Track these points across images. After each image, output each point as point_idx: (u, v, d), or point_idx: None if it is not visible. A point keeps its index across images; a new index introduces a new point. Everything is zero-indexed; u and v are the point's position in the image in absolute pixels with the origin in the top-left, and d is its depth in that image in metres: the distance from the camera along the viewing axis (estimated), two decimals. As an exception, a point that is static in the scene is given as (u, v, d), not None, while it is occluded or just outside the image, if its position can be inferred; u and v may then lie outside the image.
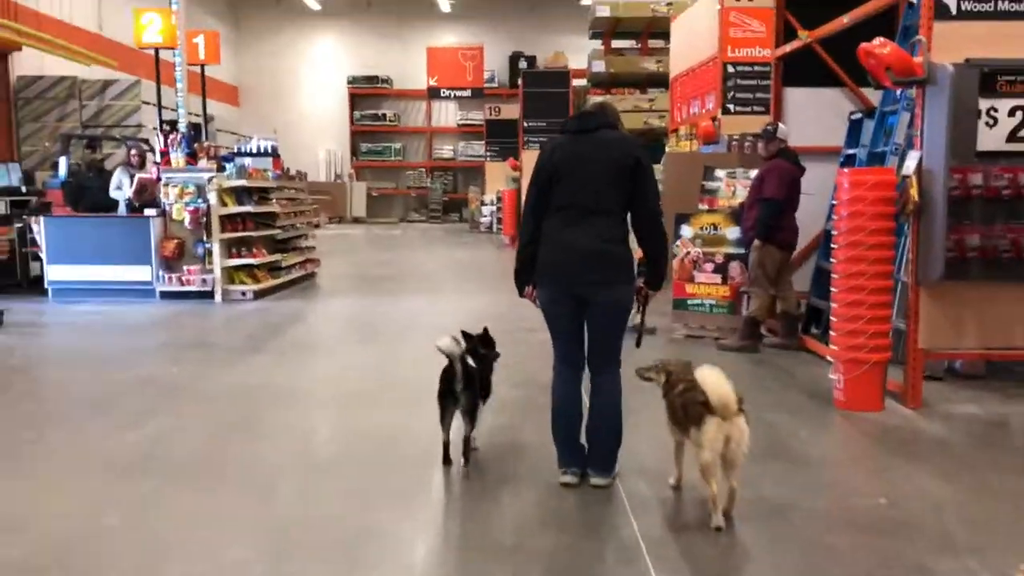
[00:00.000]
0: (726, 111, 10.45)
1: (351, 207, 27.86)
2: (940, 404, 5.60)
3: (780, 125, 7.32)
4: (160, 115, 11.47)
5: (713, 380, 3.56)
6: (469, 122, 28.76)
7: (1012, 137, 5.22)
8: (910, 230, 5.50)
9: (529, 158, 18.87)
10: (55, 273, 10.39)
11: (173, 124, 12.68)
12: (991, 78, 5.19)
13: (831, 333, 5.65)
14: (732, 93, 10.50)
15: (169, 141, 10.52)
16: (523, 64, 26.59)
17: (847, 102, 8.27)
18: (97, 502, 3.88)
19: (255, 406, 5.49)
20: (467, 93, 27.76)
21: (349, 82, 28.87)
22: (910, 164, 5.41)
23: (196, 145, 10.57)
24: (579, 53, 23.61)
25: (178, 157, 10.46)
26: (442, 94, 28.00)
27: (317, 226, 24.58)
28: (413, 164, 29.51)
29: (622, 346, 4.10)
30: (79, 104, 17.81)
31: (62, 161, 14.14)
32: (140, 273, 10.39)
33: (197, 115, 20.40)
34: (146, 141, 11.88)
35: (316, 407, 5.51)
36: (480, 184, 25.37)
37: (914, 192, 5.30)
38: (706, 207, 8.41)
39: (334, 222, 26.86)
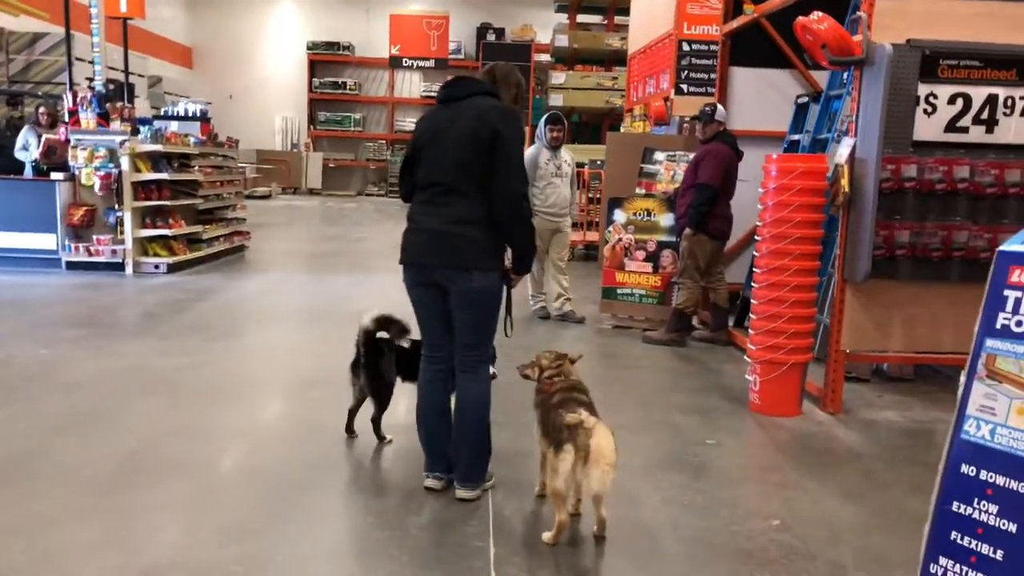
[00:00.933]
0: (679, 91, 9.97)
1: (306, 178, 27.09)
2: (861, 409, 5.21)
3: (719, 107, 6.83)
4: (70, 72, 10.66)
5: (603, 439, 3.14)
6: (433, 93, 27.98)
7: (950, 127, 4.77)
8: (840, 224, 5.05)
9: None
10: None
11: (112, 83, 11.98)
12: (933, 61, 4.73)
13: (749, 332, 5.20)
14: (686, 72, 10.03)
15: (78, 100, 9.81)
16: (491, 36, 25.89)
17: (796, 85, 7.80)
18: None
19: (111, 397, 4.94)
20: (430, 63, 26.99)
21: (309, 48, 27.95)
22: (843, 152, 4.95)
23: (108, 105, 9.85)
24: (550, 28, 22.98)
25: (88, 118, 9.76)
26: (404, 63, 27.18)
27: (267, 196, 24.12)
28: (373, 135, 28.72)
29: (489, 342, 3.60)
30: (6, 58, 16.92)
31: (-20, 117, 13.37)
32: (45, 241, 9.72)
33: (139, 74, 19.61)
34: (58, 98, 11.11)
35: (181, 398, 4.96)
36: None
37: (845, 183, 4.85)
38: (643, 191, 7.94)
39: (288, 192, 26.16)
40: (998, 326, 2.53)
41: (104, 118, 9.87)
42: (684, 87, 9.99)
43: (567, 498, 3.21)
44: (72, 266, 9.70)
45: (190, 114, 11.94)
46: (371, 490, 3.77)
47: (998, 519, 2.40)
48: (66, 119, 10.10)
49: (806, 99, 7.37)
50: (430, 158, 3.46)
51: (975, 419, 2.52)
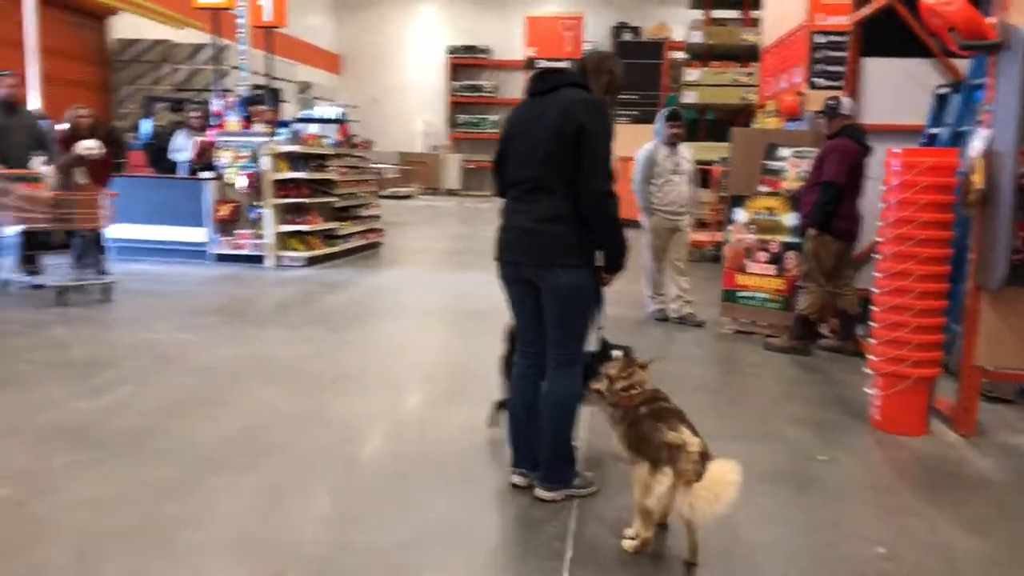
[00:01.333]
0: (813, 85, 9.55)
1: (445, 179, 27.72)
2: (999, 432, 4.78)
3: (844, 100, 6.48)
4: (217, 79, 11.33)
5: (726, 475, 2.90)
6: (571, 95, 28.01)
7: (1101, 117, 4.33)
8: (973, 224, 4.69)
9: (624, 132, 18.19)
10: (114, 231, 10.48)
11: (259, 88, 12.71)
12: (1081, 46, 4.31)
13: (870, 341, 4.90)
14: (820, 65, 9.61)
15: (225, 104, 10.42)
16: (627, 35, 25.65)
17: (935, 74, 7.29)
18: (9, 470, 3.65)
19: (232, 381, 5.21)
20: (566, 64, 27.04)
21: (448, 52, 28.60)
22: (977, 145, 4.58)
23: (251, 109, 10.42)
24: (685, 25, 22.54)
25: (233, 121, 10.36)
26: (539, 65, 27.37)
27: (408, 197, 24.81)
28: (509, 137, 29.04)
29: (580, 341, 3.54)
30: (172, 67, 18.18)
31: (144, 123, 14.43)
32: (195, 235, 10.39)
33: (288, 80, 20.61)
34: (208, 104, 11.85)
35: (296, 386, 5.16)
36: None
37: (978, 178, 4.49)
38: (767, 189, 7.64)
39: (428, 193, 26.81)
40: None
41: (247, 121, 10.44)
42: (818, 80, 9.55)
43: (654, 518, 3.07)
44: (219, 258, 10.32)
45: (328, 117, 12.43)
46: (464, 483, 3.77)
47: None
48: (213, 123, 10.75)
49: (947, 89, 6.87)
50: (518, 154, 3.45)
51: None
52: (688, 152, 7.69)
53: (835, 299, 6.60)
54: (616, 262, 3.47)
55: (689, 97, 18.14)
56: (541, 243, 3.40)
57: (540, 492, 3.55)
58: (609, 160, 3.38)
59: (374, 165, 14.68)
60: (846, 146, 6.19)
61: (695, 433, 3.04)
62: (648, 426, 3.07)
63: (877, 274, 4.83)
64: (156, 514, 3.32)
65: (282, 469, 3.84)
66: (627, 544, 3.12)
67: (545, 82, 3.49)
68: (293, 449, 4.09)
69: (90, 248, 8.02)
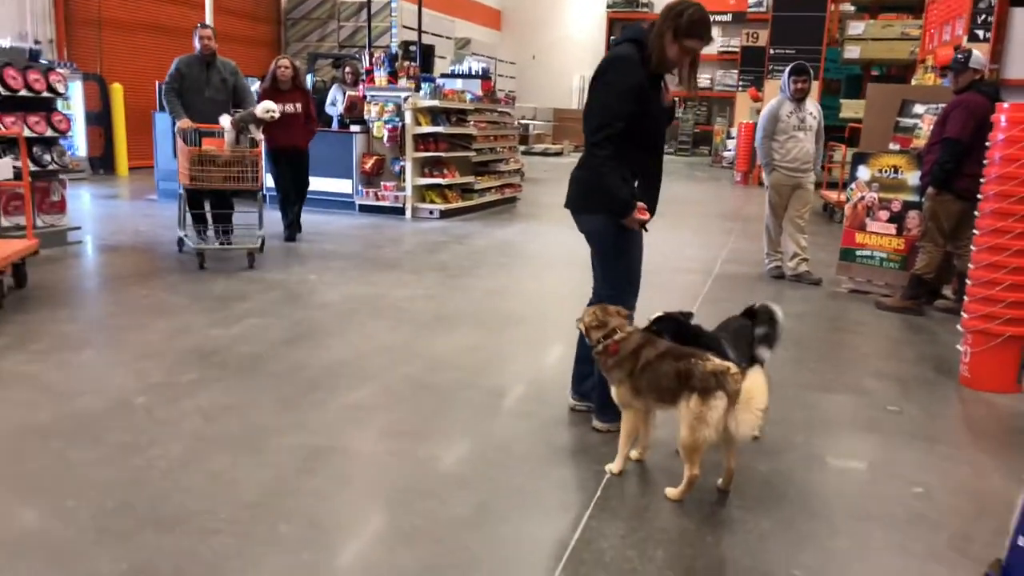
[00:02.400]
0: (973, 37, 9.01)
1: (598, 135, 27.72)
2: (1098, 397, 4.58)
3: (974, 52, 6.14)
4: (369, 35, 11.95)
5: (756, 382, 3.03)
6: (730, 49, 27.23)
7: None
8: (1082, 181, 4.45)
9: (772, 89, 17.59)
10: (270, 182, 11.38)
11: (410, 44, 13.27)
12: None
13: (964, 298, 4.78)
14: (983, 16, 9.03)
15: (373, 60, 11.03)
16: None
17: (1092, 25, 6.77)
18: (146, 383, 4.28)
19: (346, 317, 5.73)
20: (728, 18, 26.26)
21: (608, 6, 28.40)
22: (1091, 99, 4.34)
23: (397, 64, 10.96)
24: (853, -27, 21.33)
25: (381, 76, 10.95)
26: (699, 19, 26.66)
27: (559, 154, 25.06)
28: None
29: (616, 286, 3.73)
30: (337, 24, 19.19)
31: (308, 79, 15.39)
32: (343, 186, 11.14)
33: (447, 36, 21.19)
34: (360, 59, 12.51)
35: (401, 323, 5.63)
36: (728, 115, 24.12)
37: (1088, 134, 4.26)
38: (897, 147, 7.38)
39: (580, 150, 26.93)
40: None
41: (394, 76, 11.01)
42: (980, 33, 9.00)
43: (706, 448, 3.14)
44: (363, 209, 11.04)
45: (473, 72, 12.84)
46: (527, 414, 4.10)
47: (1088, 496, 2.19)
48: (363, 77, 11.40)
49: (1105, 42, 6.38)
50: None
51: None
52: (816, 107, 7.51)
53: (954, 260, 6.36)
54: (613, 208, 3.56)
55: (851, 52, 17.25)
56: (569, 192, 3.74)
57: (594, 423, 3.85)
58: (602, 112, 3.45)
59: (520, 121, 15.03)
60: (973, 101, 5.91)
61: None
62: (668, 366, 3.21)
63: (975, 230, 4.70)
64: (255, 423, 3.84)
65: (370, 392, 4.30)
66: (670, 492, 3.21)
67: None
68: (383, 376, 4.55)
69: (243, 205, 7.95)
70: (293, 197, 9.01)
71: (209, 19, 13.35)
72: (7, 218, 7.76)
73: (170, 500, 3.06)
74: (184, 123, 7.36)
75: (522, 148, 20.76)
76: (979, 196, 6.12)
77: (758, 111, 18.53)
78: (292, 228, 8.87)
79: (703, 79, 28.14)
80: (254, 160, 7.32)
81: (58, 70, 9.26)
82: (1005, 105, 4.55)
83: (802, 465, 3.60)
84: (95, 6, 15.67)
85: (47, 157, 8.03)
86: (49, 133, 8.02)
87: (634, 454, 3.52)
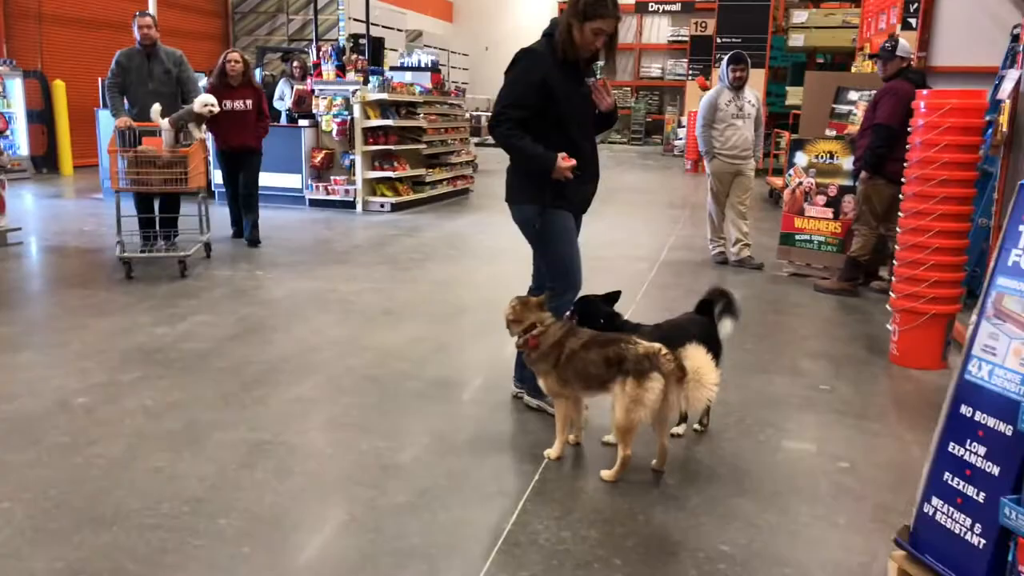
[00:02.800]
0: (907, 26, 9.23)
1: (553, 125, 27.81)
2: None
3: (901, 41, 6.33)
4: (315, 28, 11.88)
5: (701, 360, 3.14)
6: (680, 38, 27.49)
7: None
8: (999, 166, 4.64)
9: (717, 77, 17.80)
10: (220, 177, 11.28)
11: (359, 38, 13.21)
12: None
13: (892, 279, 4.95)
14: (915, 4, 9.26)
15: (320, 54, 10.98)
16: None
17: (1015, 13, 6.99)
18: (87, 384, 4.26)
19: (291, 312, 5.75)
20: (677, 7, 26.51)
21: (559, -2, 28.47)
22: (1006, 87, 4.53)
23: (344, 58, 10.93)
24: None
25: (328, 69, 10.91)
26: (651, 8, 26.93)
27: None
28: (617, 83, 28.79)
29: (555, 274, 3.86)
30: (287, 18, 19.02)
31: (257, 73, 15.23)
32: (293, 180, 11.09)
33: (398, 29, 21.10)
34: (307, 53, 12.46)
35: (347, 317, 5.66)
36: (679, 104, 24.37)
37: (1004, 120, 4.44)
38: (833, 133, 7.56)
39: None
40: (1010, 263, 2.39)
41: (341, 70, 10.97)
42: (913, 21, 9.23)
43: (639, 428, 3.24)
44: (314, 203, 11.01)
45: (421, 65, 12.84)
46: (470, 403, 4.17)
47: (985, 461, 2.32)
48: (311, 71, 11.34)
49: (1025, 28, 6.60)
50: None
51: (978, 359, 2.41)
52: (754, 95, 7.66)
53: (890, 242, 6.55)
54: (535, 170, 3.67)
55: (796, 40, 17.58)
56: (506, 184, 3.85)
57: (525, 398, 4.03)
58: (503, 100, 3.66)
59: (473, 113, 15.05)
60: (901, 88, 6.09)
61: None
62: (595, 354, 3.28)
63: (899, 214, 4.86)
64: (197, 420, 3.85)
65: (312, 385, 4.33)
66: (605, 474, 3.29)
67: None
68: (327, 369, 4.58)
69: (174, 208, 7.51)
70: (242, 200, 8.45)
71: (153, 13, 13.10)
72: (-56, 220, 7.63)
73: (109, 497, 3.07)
74: (122, 121, 6.99)
75: (476, 140, 20.76)
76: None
77: (707, 99, 18.87)
78: (252, 235, 8.25)
79: (654, 68, 28.39)
80: (185, 160, 6.75)
81: (-4, 68, 9.11)
82: (924, 92, 4.70)
83: (734, 444, 3.72)
84: (35, 1, 15.35)
85: (-15, 157, 7.89)
86: (-14, 133, 7.89)
87: (571, 438, 3.61)
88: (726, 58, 7.62)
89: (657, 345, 3.22)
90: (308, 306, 5.92)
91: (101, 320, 5.48)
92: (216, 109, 6.97)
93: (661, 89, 28.44)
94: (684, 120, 22.60)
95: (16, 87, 13.93)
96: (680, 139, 22.41)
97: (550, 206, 3.72)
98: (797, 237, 7.28)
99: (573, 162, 3.60)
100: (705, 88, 19.43)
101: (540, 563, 2.72)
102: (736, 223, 7.70)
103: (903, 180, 6.30)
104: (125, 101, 7.38)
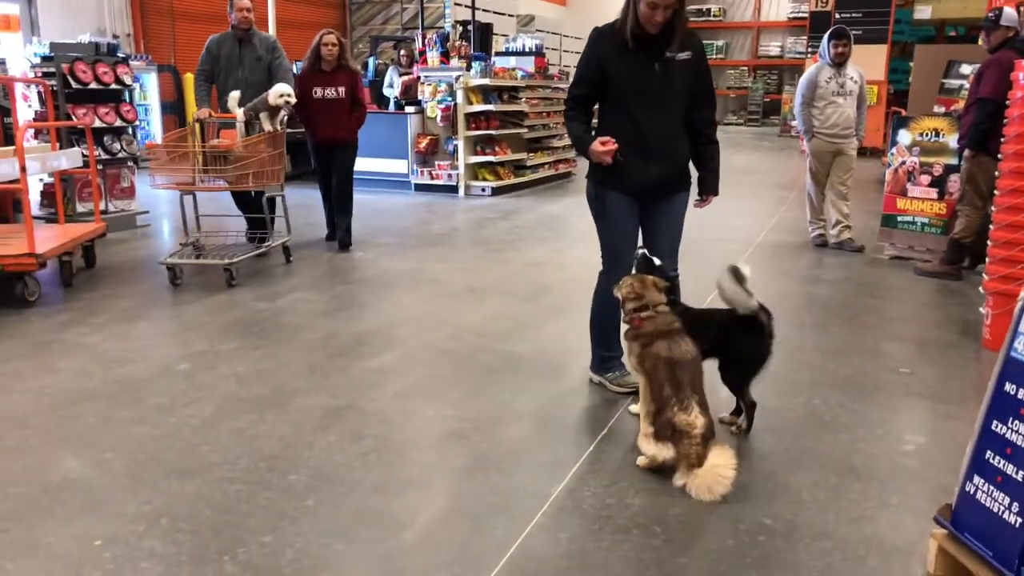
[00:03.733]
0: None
1: (666, 108, 27.41)
2: None
3: (1006, 10, 6.00)
4: (422, 17, 12.16)
5: (721, 465, 3.01)
6: (801, 14, 26.52)
7: None
8: (1104, 139, 4.37)
9: (839, 54, 17.07)
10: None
11: (465, 24, 13.47)
12: None
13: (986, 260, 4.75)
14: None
15: (426, 41, 11.26)
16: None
17: None
18: (190, 352, 4.63)
19: (382, 290, 6.01)
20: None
21: (675, -23, 27.98)
22: (1112, 54, 4.25)
23: (448, 44, 11.17)
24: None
25: (433, 56, 11.19)
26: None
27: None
28: (735, 62, 28.11)
29: (604, 247, 3.97)
30: (401, 7, 19.49)
31: (370, 62, 15.75)
32: (399, 166, 11.45)
33: (508, 14, 21.29)
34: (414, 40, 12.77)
35: (434, 295, 5.87)
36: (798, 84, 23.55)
37: (1108, 90, 4.19)
38: (941, 109, 7.24)
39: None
40: (1055, 237, 2.31)
41: (446, 56, 11.23)
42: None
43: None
44: (419, 188, 11.34)
45: (525, 49, 12.96)
46: (539, 376, 4.28)
47: (1024, 440, 2.27)
48: (417, 59, 11.66)
49: None
50: None
51: (1023, 336, 2.36)
52: (857, 72, 7.42)
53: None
54: (579, 151, 3.78)
55: (922, 13, 16.71)
56: None
57: (590, 374, 4.14)
58: (572, 80, 3.84)
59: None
60: (1005, 59, 5.78)
61: (703, 406, 3.12)
62: (661, 375, 3.19)
63: (996, 191, 4.66)
64: (282, 386, 4.13)
65: (391, 358, 4.55)
66: (640, 460, 3.27)
67: None
68: (407, 343, 4.80)
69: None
70: (335, 199, 7.64)
71: (272, 5, 13.75)
72: (81, 203, 8.32)
73: (195, 453, 3.37)
74: (203, 112, 6.73)
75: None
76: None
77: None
78: (344, 238, 7.48)
79: (773, 47, 27.54)
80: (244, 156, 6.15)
81: (131, 62, 9.80)
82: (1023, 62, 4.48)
83: (798, 423, 3.69)
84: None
85: (116, 146, 8.54)
86: (118, 123, 8.53)
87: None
88: (827, 33, 7.40)
89: (692, 421, 3.06)
90: (398, 284, 6.18)
91: (210, 295, 5.89)
92: (293, 100, 6.45)
93: (780, 68, 27.56)
94: (802, 100, 21.85)
95: (151, 81, 14.88)
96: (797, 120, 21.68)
97: (604, 186, 3.78)
98: (899, 219, 7.03)
99: (612, 146, 3.57)
100: (823, 66, 18.77)
101: (581, 527, 2.82)
102: (836, 204, 7.49)
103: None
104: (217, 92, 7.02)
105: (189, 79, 15.45)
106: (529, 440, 3.53)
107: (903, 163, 6.92)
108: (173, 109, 15.44)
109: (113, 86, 8.49)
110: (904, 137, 6.91)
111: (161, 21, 16.31)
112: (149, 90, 14.95)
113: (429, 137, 11.24)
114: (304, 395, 4.01)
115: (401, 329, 5.08)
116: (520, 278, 6.43)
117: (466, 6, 14.90)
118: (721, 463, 3.02)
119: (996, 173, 5.21)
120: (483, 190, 11.11)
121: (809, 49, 22.60)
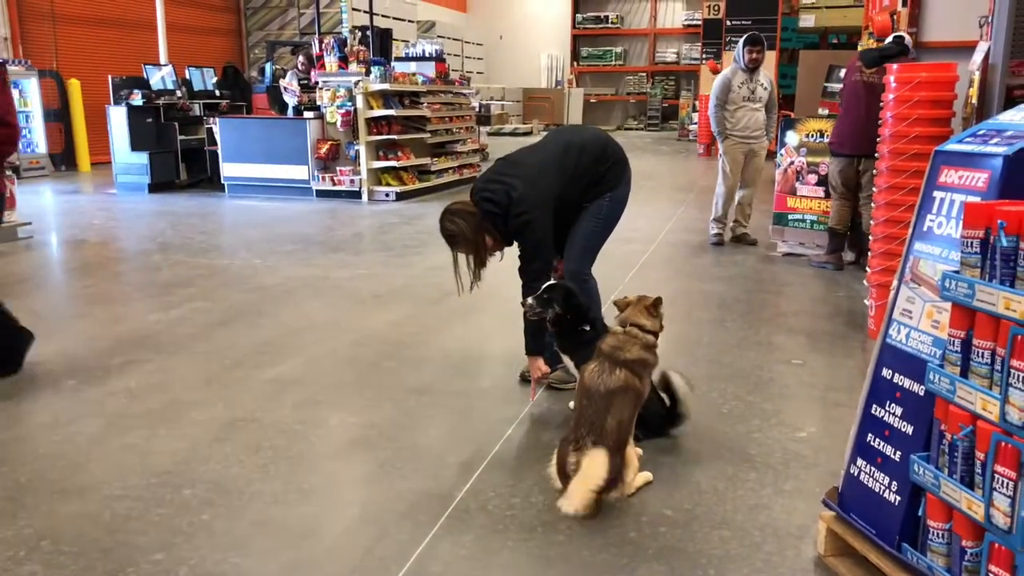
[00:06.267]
0: (904, 2, 9.16)
1: (568, 114, 27.76)
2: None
3: (905, 36, 6.32)
4: (318, 22, 12.01)
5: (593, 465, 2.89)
6: (695, 22, 27.29)
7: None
8: (971, 137, 4.63)
9: (730, 60, 17.70)
10: (229, 170, 11.50)
11: (364, 29, 13.32)
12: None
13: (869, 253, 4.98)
14: (916, -20, 9.17)
15: (323, 46, 11.10)
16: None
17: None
18: (77, 367, 4.42)
19: (281, 298, 5.88)
20: None
21: (573, -17, 28.40)
22: (975, 58, 4.53)
23: (346, 49, 11.04)
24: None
25: (331, 61, 11.03)
26: (662, -6, 26.74)
27: (528, 133, 25.10)
28: (633, 68, 28.68)
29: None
30: (297, 12, 19.16)
31: (267, 67, 15.42)
32: (299, 172, 11.23)
33: (408, 20, 21.18)
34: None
35: (336, 302, 5.78)
36: (694, 88, 24.24)
37: (972, 92, 4.45)
38: (826, 112, 7.55)
39: (550, 128, 26.94)
40: (925, 228, 2.45)
41: (344, 61, 11.09)
42: (906, -3, 9.14)
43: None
44: (320, 194, 11.15)
45: (425, 54, 12.92)
46: (441, 380, 4.26)
47: (901, 421, 2.38)
48: (314, 64, 11.47)
49: None
50: None
51: (897, 323, 2.48)
52: (767, 78, 7.67)
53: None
54: None
55: (807, 21, 17.39)
56: None
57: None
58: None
59: (483, 102, 15.08)
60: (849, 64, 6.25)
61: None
62: (577, 400, 3.17)
63: (874, 188, 4.88)
64: (176, 399, 3.99)
65: (293, 367, 4.45)
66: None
67: None
68: (309, 351, 4.71)
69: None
70: None
71: (160, 10, 13.33)
72: (-44, 216, 7.84)
73: (81, 471, 3.22)
74: None
75: (489, 129, 20.79)
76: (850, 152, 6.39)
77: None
78: None
79: (669, 53, 28.25)
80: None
81: (9, 67, 9.30)
82: (894, 67, 4.71)
83: (695, 416, 3.76)
84: (48, 1, 15.62)
85: (-7, 154, 8.08)
86: (-6, 130, 8.07)
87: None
88: (742, 39, 7.60)
89: (582, 451, 2.92)
90: (299, 292, 6.05)
91: (98, 308, 5.65)
92: None
93: (677, 74, 28.27)
94: (698, 104, 22.50)
95: (32, 86, 14.19)
96: (695, 124, 22.29)
97: None
98: (790, 217, 7.30)
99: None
100: (716, 71, 19.35)
101: (487, 527, 2.82)
102: (745, 199, 7.79)
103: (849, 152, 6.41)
104: None
105: (74, 85, 14.82)
106: (434, 444, 3.50)
107: (791, 163, 7.20)
108: (57, 116, 14.76)
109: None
110: (792, 138, 7.18)
111: (41, 24, 15.57)
112: (30, 96, 14.25)
113: (330, 142, 11.08)
114: (200, 408, 3.88)
115: (302, 337, 4.97)
116: (424, 283, 6.39)
117: (364, 11, 14.77)
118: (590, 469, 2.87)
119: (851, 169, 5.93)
120: (387, 195, 11.01)
121: (704, 55, 23.30)
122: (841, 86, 7.23)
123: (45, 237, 8.40)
